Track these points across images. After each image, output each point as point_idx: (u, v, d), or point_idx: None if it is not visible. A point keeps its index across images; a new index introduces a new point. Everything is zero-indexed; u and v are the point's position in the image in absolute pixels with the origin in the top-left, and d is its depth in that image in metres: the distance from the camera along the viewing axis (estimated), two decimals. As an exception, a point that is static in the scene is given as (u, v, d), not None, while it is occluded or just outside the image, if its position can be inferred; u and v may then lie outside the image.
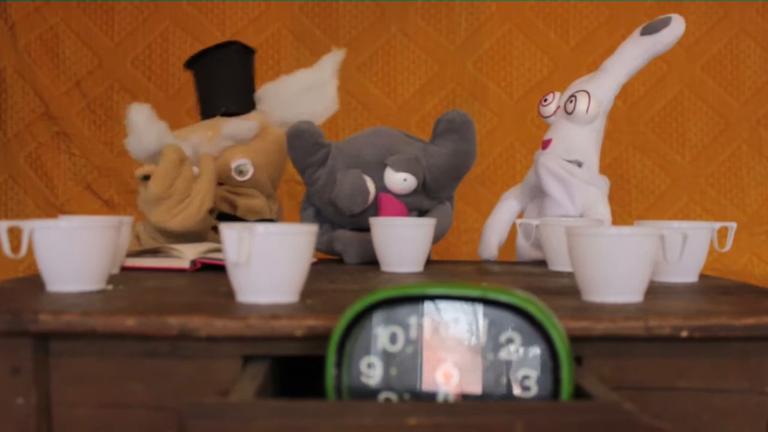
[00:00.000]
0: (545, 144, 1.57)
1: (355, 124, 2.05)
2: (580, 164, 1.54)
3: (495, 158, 2.07)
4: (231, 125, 1.54)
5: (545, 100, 1.61)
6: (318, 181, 1.47)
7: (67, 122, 2.04)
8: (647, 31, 1.55)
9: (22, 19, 2.04)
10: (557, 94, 1.61)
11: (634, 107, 2.08)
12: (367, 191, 1.44)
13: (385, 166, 1.46)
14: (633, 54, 1.56)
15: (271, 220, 1.56)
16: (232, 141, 1.54)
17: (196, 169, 1.46)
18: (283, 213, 1.68)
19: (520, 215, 1.62)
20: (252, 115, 1.62)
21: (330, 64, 1.61)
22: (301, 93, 1.60)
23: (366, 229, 1.41)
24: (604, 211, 1.51)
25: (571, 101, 1.54)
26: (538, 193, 1.57)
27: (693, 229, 1.17)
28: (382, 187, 1.46)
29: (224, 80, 1.62)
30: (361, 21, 2.08)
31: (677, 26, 1.53)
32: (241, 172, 1.51)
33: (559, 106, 1.59)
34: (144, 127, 1.48)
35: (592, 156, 1.56)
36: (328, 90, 1.60)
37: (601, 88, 1.55)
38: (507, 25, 2.09)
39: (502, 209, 1.63)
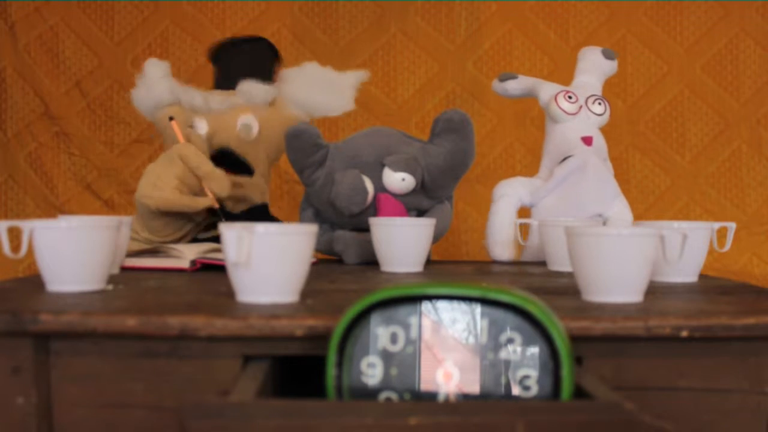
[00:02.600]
0: (588, 140, 1.56)
1: (355, 124, 2.05)
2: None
3: (495, 158, 2.07)
4: (248, 83, 1.56)
5: (569, 97, 1.58)
6: (317, 182, 1.47)
7: (67, 122, 2.04)
8: (609, 56, 1.64)
9: (22, 19, 2.04)
10: (577, 93, 1.61)
11: (634, 107, 2.08)
12: (365, 191, 1.44)
13: (383, 166, 1.45)
14: (601, 71, 1.64)
15: (263, 206, 1.56)
16: (245, 99, 1.55)
17: (200, 125, 1.50)
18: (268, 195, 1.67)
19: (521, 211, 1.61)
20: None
21: (353, 76, 1.63)
22: (324, 83, 1.60)
23: (365, 229, 1.41)
24: (629, 218, 1.53)
25: (600, 103, 1.56)
26: (563, 192, 1.54)
27: (693, 229, 1.17)
28: (380, 187, 1.46)
29: (246, 71, 1.61)
30: (361, 21, 2.08)
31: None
32: (247, 128, 1.51)
33: (582, 106, 1.59)
34: (158, 79, 1.52)
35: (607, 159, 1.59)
36: (348, 92, 1.61)
37: None
38: (507, 25, 2.09)
39: (509, 205, 1.56)
